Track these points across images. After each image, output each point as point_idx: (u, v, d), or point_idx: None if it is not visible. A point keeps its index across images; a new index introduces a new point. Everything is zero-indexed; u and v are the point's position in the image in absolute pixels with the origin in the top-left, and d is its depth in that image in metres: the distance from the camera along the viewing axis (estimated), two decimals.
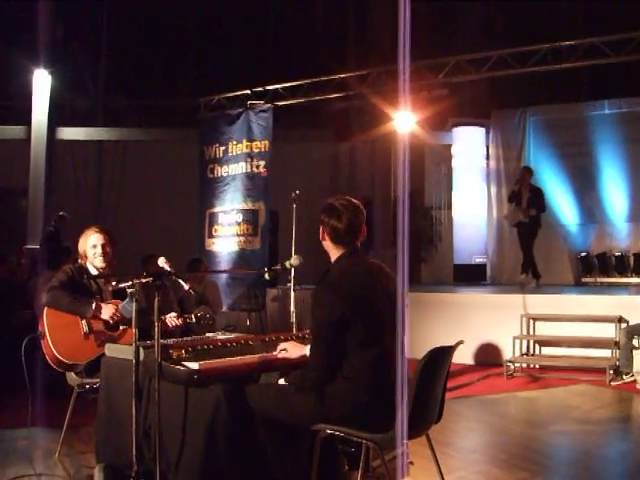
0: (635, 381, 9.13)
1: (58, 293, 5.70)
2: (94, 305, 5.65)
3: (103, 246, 5.97)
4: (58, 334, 5.60)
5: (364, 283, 4.18)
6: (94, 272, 5.98)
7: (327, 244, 4.38)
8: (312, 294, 4.22)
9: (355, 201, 4.44)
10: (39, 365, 5.79)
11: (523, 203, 13.32)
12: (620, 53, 12.06)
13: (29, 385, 5.66)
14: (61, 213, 13.97)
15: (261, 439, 4.28)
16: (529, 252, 13.45)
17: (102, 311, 5.66)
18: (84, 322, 5.67)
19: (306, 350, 4.45)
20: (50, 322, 5.64)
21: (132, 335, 4.54)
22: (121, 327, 5.74)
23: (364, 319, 4.04)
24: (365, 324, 4.04)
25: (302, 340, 4.92)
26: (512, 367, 10.15)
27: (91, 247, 5.96)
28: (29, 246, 14.61)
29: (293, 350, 4.58)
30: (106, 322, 5.71)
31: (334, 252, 4.35)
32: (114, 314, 5.66)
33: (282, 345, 4.67)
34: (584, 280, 14.68)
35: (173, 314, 5.89)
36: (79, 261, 6.06)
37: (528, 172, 13.63)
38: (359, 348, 4.03)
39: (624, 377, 9.37)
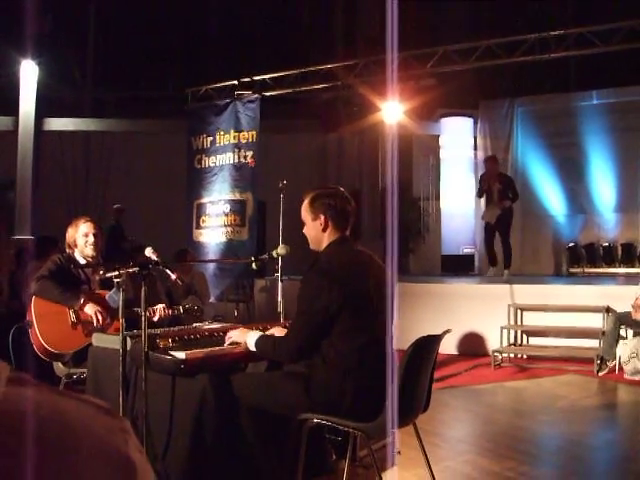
0: (622, 370, 9.17)
1: (47, 283, 5.70)
2: (82, 298, 5.65)
3: (95, 235, 6.01)
4: (46, 323, 5.60)
5: (354, 271, 4.20)
6: (82, 262, 5.99)
7: (324, 232, 4.36)
8: (302, 279, 4.23)
9: (341, 189, 4.48)
10: (27, 355, 5.78)
11: (494, 196, 13.02)
12: (608, 43, 12.06)
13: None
14: (117, 206, 14.05)
15: (246, 429, 4.28)
16: (508, 243, 13.24)
17: (86, 307, 5.65)
18: (72, 312, 5.68)
19: (250, 333, 4.45)
20: (38, 311, 5.64)
21: (119, 325, 4.54)
22: (108, 318, 5.74)
23: (353, 306, 4.05)
24: (354, 311, 4.05)
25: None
26: (499, 357, 10.19)
27: (83, 236, 5.97)
28: (17, 237, 14.56)
29: (239, 336, 4.55)
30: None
31: (328, 238, 4.34)
32: (97, 312, 5.65)
33: (229, 333, 4.66)
34: (572, 270, 14.70)
35: (161, 306, 5.89)
36: (67, 251, 6.07)
37: (494, 161, 13.42)
38: (346, 334, 4.04)
39: (607, 364, 9.39)
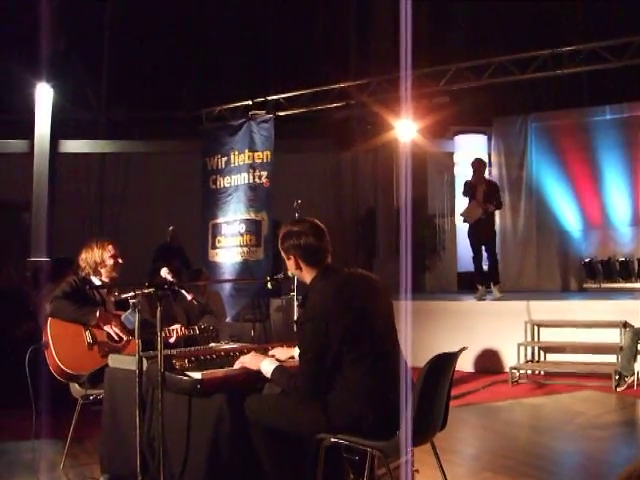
0: None
1: (61, 302, 5.74)
2: (98, 313, 5.69)
3: (121, 257, 6.08)
4: (62, 344, 5.62)
5: (346, 300, 4.14)
6: (97, 283, 6.03)
7: (301, 270, 4.35)
8: (296, 321, 4.22)
9: (310, 219, 4.42)
10: (43, 376, 5.80)
11: (479, 197, 12.53)
12: (621, 58, 12.05)
13: (33, 397, 5.66)
14: (172, 228, 14.09)
15: (262, 449, 4.27)
16: (495, 255, 12.77)
17: (105, 326, 5.71)
18: (88, 333, 5.70)
19: (265, 361, 4.44)
20: (54, 332, 5.66)
21: (135, 346, 4.54)
22: (124, 338, 5.76)
23: (354, 336, 4.03)
24: (357, 340, 4.03)
25: None
26: (517, 374, 10.15)
27: (112, 256, 6.05)
28: (33, 259, 14.61)
29: (252, 362, 4.54)
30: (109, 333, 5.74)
31: (308, 274, 4.32)
32: (114, 328, 5.71)
33: (241, 358, 4.64)
34: (588, 286, 14.63)
35: (177, 326, 5.92)
36: (80, 272, 6.10)
37: (481, 164, 13.02)
38: (356, 362, 4.02)
39: (625, 379, 9.34)
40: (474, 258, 12.80)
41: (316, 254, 4.28)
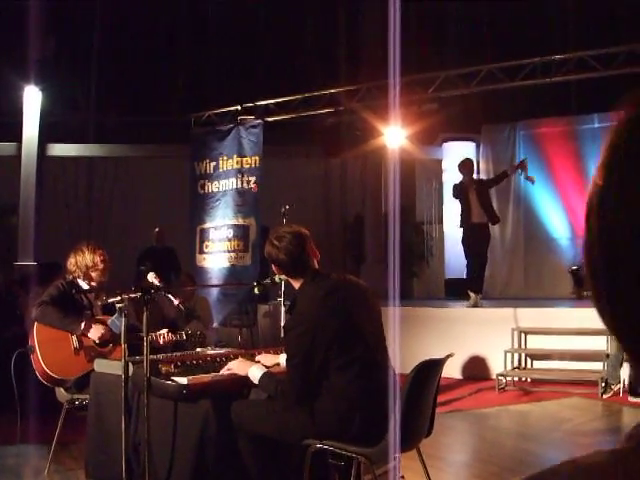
0: (626, 393, 9.13)
1: (48, 309, 5.71)
2: (83, 324, 5.67)
3: (109, 262, 6.07)
4: (48, 349, 5.60)
5: (332, 304, 4.15)
6: (85, 287, 6.01)
7: (287, 277, 4.40)
8: (284, 327, 4.25)
9: (293, 228, 4.42)
10: (29, 380, 5.78)
11: (473, 198, 12.02)
12: (609, 67, 12.10)
13: (18, 401, 5.64)
14: (157, 229, 13.81)
15: (248, 455, 4.27)
16: (484, 265, 12.50)
17: (90, 331, 5.68)
18: (74, 337, 5.68)
19: (252, 367, 4.44)
20: (40, 337, 5.64)
21: (121, 351, 4.54)
22: (110, 344, 5.75)
23: (341, 341, 4.05)
24: (343, 346, 4.05)
25: None
26: (504, 381, 10.16)
27: (102, 261, 6.02)
28: (20, 262, 14.56)
29: (239, 367, 4.54)
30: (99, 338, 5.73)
31: (295, 282, 4.36)
32: (103, 335, 5.69)
33: (229, 364, 4.64)
34: (575, 293, 14.66)
35: (164, 331, 5.90)
36: (68, 276, 6.08)
37: (470, 164, 12.63)
38: (343, 368, 4.04)
39: (612, 387, 9.36)
40: (468, 264, 12.52)
41: (295, 268, 4.31)
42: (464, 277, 15.62)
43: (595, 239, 0.85)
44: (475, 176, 12.54)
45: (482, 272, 12.53)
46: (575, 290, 14.34)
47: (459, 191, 12.27)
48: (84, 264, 6.02)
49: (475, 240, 12.24)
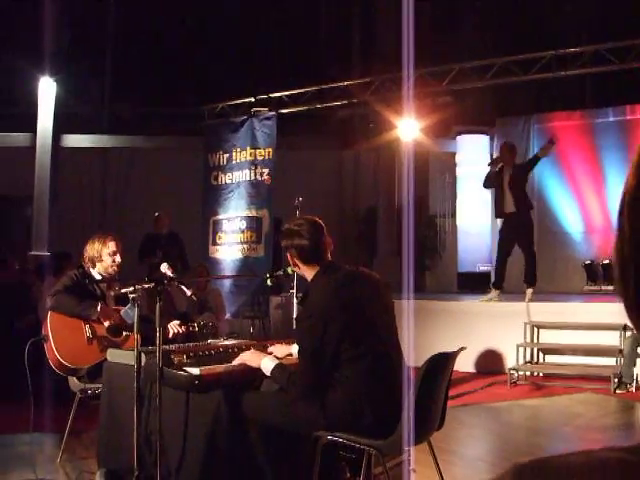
0: (639, 389, 9.12)
1: (62, 297, 5.73)
2: (99, 308, 5.68)
3: (120, 254, 6.04)
4: (61, 338, 5.62)
5: (345, 298, 4.15)
6: (98, 277, 6.01)
7: (300, 268, 4.38)
8: (296, 319, 4.25)
9: (309, 217, 4.45)
10: (42, 370, 5.80)
11: (506, 187, 11.44)
12: (624, 60, 12.05)
13: (32, 390, 5.66)
14: (157, 214, 13.36)
15: (259, 446, 4.28)
16: (533, 253, 11.52)
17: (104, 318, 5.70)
18: (87, 327, 5.69)
19: (265, 358, 4.44)
20: (54, 326, 5.65)
21: (134, 341, 4.55)
22: (124, 333, 5.76)
23: (353, 334, 4.04)
24: (355, 338, 4.04)
25: None
26: (516, 375, 10.14)
27: (110, 254, 6.00)
28: (34, 252, 14.62)
29: (252, 359, 4.54)
30: (109, 327, 5.73)
31: (308, 272, 4.35)
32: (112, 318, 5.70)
33: (241, 355, 4.65)
34: (588, 288, 14.61)
35: (176, 322, 5.91)
36: (83, 266, 6.08)
37: (511, 149, 11.92)
38: (354, 360, 4.04)
39: (627, 387, 9.33)
40: (501, 253, 11.77)
41: (312, 254, 4.30)
42: (476, 271, 15.63)
43: (626, 238, 0.85)
44: (492, 167, 11.95)
45: (533, 262, 11.54)
46: (588, 284, 14.32)
47: (490, 179, 11.84)
48: (92, 254, 6.02)
49: (511, 230, 11.67)
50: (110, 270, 6.03)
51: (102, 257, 6.00)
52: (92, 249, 6.02)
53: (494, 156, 15.80)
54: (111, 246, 6.03)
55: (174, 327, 5.81)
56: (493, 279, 12.00)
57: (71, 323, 5.67)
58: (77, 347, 5.63)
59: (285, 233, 4.38)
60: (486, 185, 12.29)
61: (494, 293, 11.72)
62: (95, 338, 5.69)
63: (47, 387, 6.01)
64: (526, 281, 11.50)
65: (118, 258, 6.07)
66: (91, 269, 6.04)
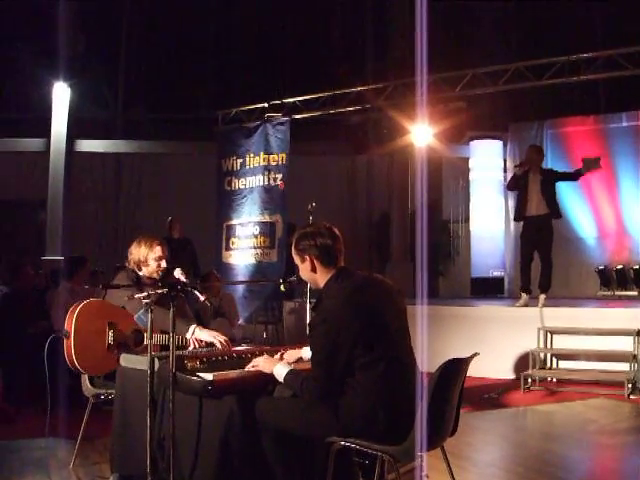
0: None
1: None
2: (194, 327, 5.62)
3: (166, 260, 6.00)
4: (83, 339, 5.50)
5: (359, 304, 4.13)
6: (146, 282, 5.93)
7: (315, 272, 4.35)
8: (309, 324, 4.24)
9: (324, 223, 4.43)
10: (55, 374, 5.80)
11: (532, 190, 11.31)
12: (637, 65, 12.02)
13: (50, 393, 5.66)
14: (170, 218, 13.31)
15: (272, 452, 4.27)
16: (550, 260, 11.32)
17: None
18: (111, 333, 5.61)
19: (278, 364, 4.45)
20: (79, 325, 5.54)
21: (154, 349, 4.55)
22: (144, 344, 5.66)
23: (366, 340, 4.02)
24: (369, 344, 4.03)
25: None
26: (529, 380, 10.11)
27: (156, 258, 5.93)
28: (48, 257, 14.67)
29: (265, 365, 4.54)
30: (135, 335, 5.66)
31: (322, 277, 4.33)
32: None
33: (254, 361, 4.65)
34: (602, 293, 14.58)
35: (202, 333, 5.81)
36: (128, 266, 6.03)
37: (538, 151, 11.78)
38: (368, 366, 4.02)
39: None
40: (523, 259, 11.61)
41: (331, 254, 4.29)
42: (489, 276, 15.59)
43: None
44: (517, 170, 11.85)
45: (549, 270, 11.40)
46: (601, 289, 14.30)
47: (516, 181, 11.65)
48: (137, 257, 5.92)
49: (533, 233, 11.48)
50: (155, 275, 5.95)
51: (148, 261, 5.91)
52: (138, 252, 5.92)
53: (507, 161, 15.89)
54: (157, 251, 5.92)
55: (194, 342, 5.72)
56: (521, 284, 11.74)
57: (96, 325, 5.58)
58: (95, 354, 5.54)
59: (303, 235, 4.35)
60: (510, 187, 12.24)
61: (525, 298, 11.57)
62: (115, 346, 5.61)
63: (60, 392, 6.02)
64: (540, 287, 11.44)
65: (164, 263, 5.93)
66: (138, 272, 5.98)
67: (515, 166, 11.98)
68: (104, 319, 5.65)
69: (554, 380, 10.45)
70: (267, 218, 14.17)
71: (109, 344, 5.59)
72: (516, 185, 11.73)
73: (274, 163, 14.21)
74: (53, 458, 6.20)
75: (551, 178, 11.45)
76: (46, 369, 5.57)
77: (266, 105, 14.80)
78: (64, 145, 15.70)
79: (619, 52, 12.20)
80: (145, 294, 4.60)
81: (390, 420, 4.00)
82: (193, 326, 5.58)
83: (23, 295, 9.81)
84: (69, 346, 5.51)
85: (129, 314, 5.74)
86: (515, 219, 12.37)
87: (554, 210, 11.39)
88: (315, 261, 4.31)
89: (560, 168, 12.26)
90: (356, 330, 4.01)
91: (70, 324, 5.55)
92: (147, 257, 5.90)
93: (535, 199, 11.34)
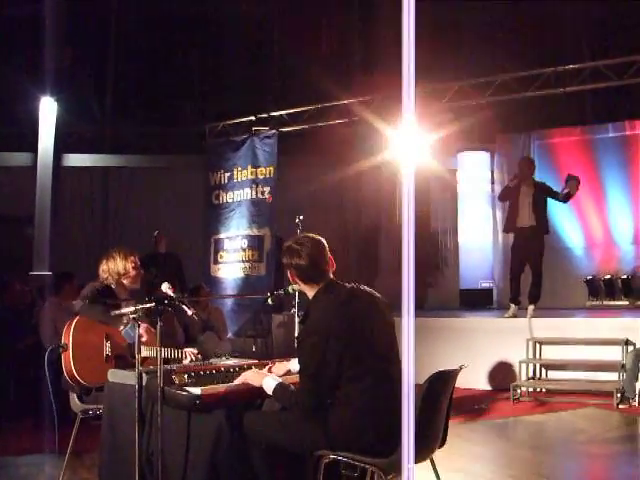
0: None
1: (89, 304, 5.67)
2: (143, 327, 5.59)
3: (140, 267, 6.05)
4: (81, 351, 5.51)
5: (346, 316, 4.15)
6: (122, 296, 5.97)
7: (300, 286, 4.41)
8: (297, 337, 4.25)
9: (312, 235, 4.45)
10: (43, 389, 5.78)
11: (523, 202, 11.49)
12: (623, 76, 12.10)
13: (55, 406, 5.63)
14: (157, 232, 13.29)
15: (261, 466, 4.27)
16: (540, 272, 11.50)
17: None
18: (108, 344, 5.60)
19: (267, 378, 4.44)
20: (76, 337, 5.53)
21: (152, 363, 4.53)
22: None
23: (353, 352, 4.04)
24: (356, 357, 4.04)
25: None
26: (518, 391, 10.12)
27: (135, 267, 6.02)
28: (35, 272, 14.61)
29: (254, 378, 4.53)
30: (131, 347, 5.64)
31: (309, 290, 4.36)
32: (147, 329, 5.57)
33: (243, 375, 4.64)
34: (590, 303, 14.61)
35: (193, 350, 5.84)
36: (101, 282, 6.04)
37: (530, 164, 11.97)
38: (355, 379, 4.03)
39: (630, 401, 9.32)
40: (513, 270, 11.81)
41: (311, 274, 4.32)
42: (478, 288, 15.60)
43: None
44: (511, 183, 11.97)
45: (539, 281, 11.59)
46: (590, 299, 14.35)
47: (507, 193, 11.88)
48: (116, 271, 5.96)
49: (523, 245, 11.65)
50: (134, 284, 6.02)
51: (128, 272, 5.98)
52: (115, 266, 5.97)
53: (494, 172, 15.91)
54: (133, 260, 6.02)
55: (191, 355, 5.74)
56: (510, 295, 11.91)
57: (94, 338, 5.56)
58: (93, 364, 5.53)
59: (285, 251, 4.38)
60: (502, 198, 12.41)
61: (514, 308, 11.69)
62: (114, 357, 5.61)
63: (48, 408, 5.99)
64: (530, 298, 11.54)
65: (141, 270, 6.09)
66: (112, 286, 6.00)
67: (510, 179, 12.06)
68: (101, 331, 5.64)
69: (543, 390, 10.47)
70: (255, 231, 14.17)
71: (107, 355, 5.59)
72: (508, 196, 11.89)
73: (262, 176, 14.23)
74: (41, 474, 6.18)
75: (543, 192, 11.61)
76: (48, 378, 5.56)
77: (253, 118, 14.82)
78: (51, 159, 15.63)
79: (605, 63, 12.28)
80: (132, 309, 4.60)
81: (379, 432, 4.01)
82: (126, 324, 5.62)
83: (11, 311, 9.78)
84: (67, 359, 5.50)
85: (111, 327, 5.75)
86: (505, 230, 12.53)
87: (542, 224, 11.60)
88: (296, 278, 4.35)
89: (548, 179, 12.32)
90: (344, 343, 4.01)
91: (68, 337, 5.54)
92: (126, 268, 5.95)
93: (526, 211, 11.52)
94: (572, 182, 11.56)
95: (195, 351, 5.81)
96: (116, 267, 6.00)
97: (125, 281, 6.02)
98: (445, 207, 16.95)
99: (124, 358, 5.62)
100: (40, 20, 14.45)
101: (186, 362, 5.56)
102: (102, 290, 5.93)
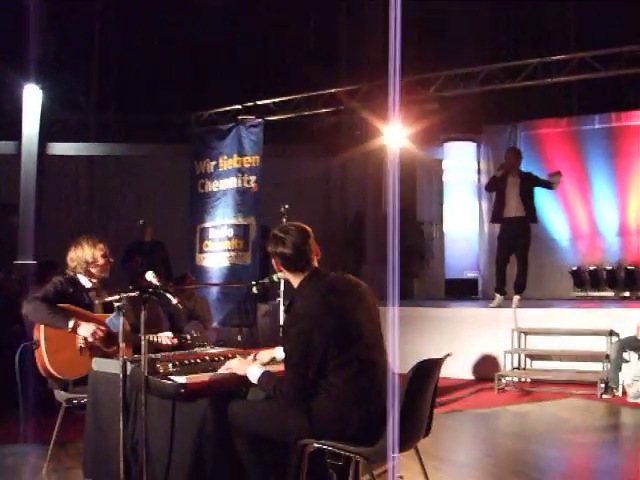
0: (625, 393, 9.14)
1: (38, 305, 5.59)
2: (72, 322, 5.55)
3: (110, 256, 6.00)
4: (53, 346, 5.48)
5: (331, 305, 4.15)
6: (87, 284, 5.93)
7: (285, 274, 4.41)
8: (283, 326, 4.24)
9: (297, 224, 4.44)
10: (28, 378, 5.75)
11: (510, 193, 11.55)
12: (610, 67, 12.12)
13: (22, 399, 5.60)
14: (142, 221, 13.30)
15: (245, 455, 4.26)
16: (526, 263, 11.57)
17: (80, 328, 5.57)
18: (81, 337, 5.57)
19: (252, 366, 4.43)
20: (47, 333, 5.52)
21: (128, 351, 4.52)
22: (116, 346, 5.63)
23: (339, 341, 4.03)
24: (341, 345, 4.03)
25: None
26: (503, 381, 10.15)
27: (103, 255, 5.95)
28: (20, 261, 14.54)
29: (238, 366, 4.53)
30: (104, 338, 5.62)
31: (294, 279, 4.35)
32: (95, 332, 5.58)
33: (227, 363, 4.64)
34: (575, 294, 14.65)
35: (169, 333, 5.84)
36: (68, 272, 5.98)
37: (516, 154, 12.04)
38: (340, 367, 4.03)
39: (614, 392, 9.35)
40: (499, 260, 11.84)
41: (295, 263, 4.31)
42: (463, 277, 15.62)
43: None
44: (497, 173, 12.01)
45: (525, 272, 11.62)
46: (575, 290, 14.40)
47: (494, 183, 11.93)
48: (84, 260, 5.89)
49: (510, 235, 11.69)
50: (104, 274, 5.96)
51: (97, 260, 5.90)
52: (84, 253, 5.89)
53: (480, 163, 15.93)
54: (102, 248, 5.94)
55: (166, 339, 5.73)
56: (495, 285, 11.98)
57: (64, 332, 5.55)
58: (68, 357, 5.51)
59: (270, 239, 4.37)
60: (489, 188, 12.45)
61: (499, 298, 11.77)
62: (88, 349, 5.59)
63: (33, 397, 5.96)
64: (516, 288, 11.60)
65: (111, 258, 6.02)
66: (79, 276, 5.96)
67: (497, 170, 12.07)
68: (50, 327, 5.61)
69: (528, 380, 10.50)
70: (241, 220, 14.11)
71: (80, 347, 5.56)
72: (495, 187, 11.93)
73: (247, 165, 14.16)
74: (25, 464, 6.15)
75: (530, 182, 11.64)
76: (17, 373, 5.53)
77: (239, 107, 14.77)
78: (36, 148, 15.54)
79: (592, 54, 12.29)
80: (117, 297, 4.58)
81: (363, 421, 4.01)
82: (73, 321, 5.58)
83: None
84: (40, 355, 5.48)
85: (94, 316, 5.73)
86: (492, 221, 12.56)
87: (530, 214, 11.65)
88: (280, 266, 4.35)
89: (534, 170, 12.32)
90: (329, 331, 4.00)
91: (38, 333, 5.52)
92: (94, 255, 5.90)
93: (513, 201, 11.57)
94: (556, 177, 11.59)
95: (171, 334, 5.80)
96: (84, 255, 5.92)
97: (93, 270, 5.95)
98: (431, 197, 16.95)
99: (98, 348, 5.59)
100: (24, 7, 14.34)
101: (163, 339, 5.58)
102: (67, 282, 5.88)
